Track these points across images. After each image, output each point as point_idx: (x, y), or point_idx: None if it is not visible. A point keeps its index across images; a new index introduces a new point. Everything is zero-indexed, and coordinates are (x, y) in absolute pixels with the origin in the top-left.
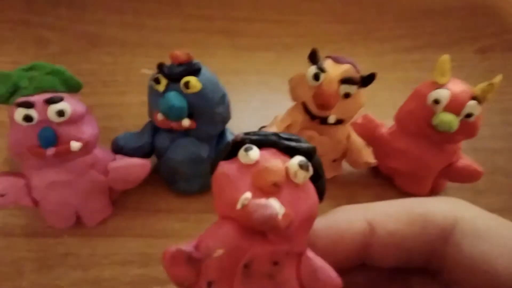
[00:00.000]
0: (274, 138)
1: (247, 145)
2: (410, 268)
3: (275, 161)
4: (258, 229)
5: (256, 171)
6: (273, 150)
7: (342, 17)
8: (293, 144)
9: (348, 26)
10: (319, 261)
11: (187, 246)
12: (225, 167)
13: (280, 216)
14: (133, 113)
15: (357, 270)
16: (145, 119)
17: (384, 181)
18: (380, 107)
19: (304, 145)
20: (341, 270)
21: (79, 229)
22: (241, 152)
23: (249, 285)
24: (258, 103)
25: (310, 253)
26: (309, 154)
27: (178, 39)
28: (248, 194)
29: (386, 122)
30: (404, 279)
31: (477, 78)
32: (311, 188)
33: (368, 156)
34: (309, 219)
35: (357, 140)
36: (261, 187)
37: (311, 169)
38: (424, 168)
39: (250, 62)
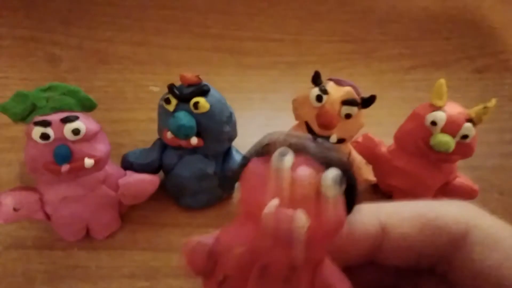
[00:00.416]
0: (311, 145)
1: (283, 149)
2: (418, 269)
3: (308, 172)
4: (280, 237)
5: (288, 179)
6: (308, 158)
7: (343, 37)
8: (330, 155)
9: (349, 45)
10: (335, 276)
11: (208, 239)
12: (257, 166)
13: (303, 230)
14: (142, 129)
15: (366, 267)
16: (153, 134)
17: (383, 198)
18: (380, 125)
19: (341, 157)
20: (350, 267)
21: (88, 242)
22: (276, 156)
23: (263, 286)
24: (262, 120)
25: (327, 264)
26: (345, 167)
27: (185, 57)
28: (275, 201)
29: (386, 140)
30: (412, 278)
31: (474, 97)
32: (340, 203)
33: (368, 173)
34: (333, 233)
35: (357, 158)
36: (290, 197)
37: (344, 185)
38: (422, 186)
39: (254, 80)
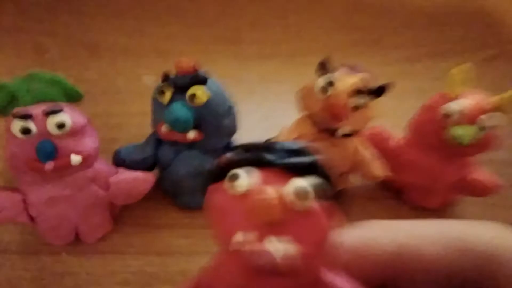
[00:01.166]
0: (268, 156)
1: (232, 172)
2: None
3: (267, 192)
4: (260, 271)
5: (247, 206)
6: (269, 171)
7: (348, 24)
8: (291, 161)
9: (354, 34)
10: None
11: (189, 285)
12: (214, 197)
13: (279, 259)
14: (135, 123)
15: None
16: (147, 129)
17: (394, 194)
18: (388, 117)
19: (305, 160)
20: None
21: (78, 246)
22: (226, 183)
23: None
24: (263, 113)
25: (327, 278)
26: (314, 168)
27: (180, 47)
28: (239, 237)
29: (394, 133)
30: None
31: (485, 87)
32: (317, 211)
33: (378, 169)
34: (320, 246)
35: (367, 153)
36: (256, 225)
37: (311, 194)
38: (435, 182)
39: (254, 70)
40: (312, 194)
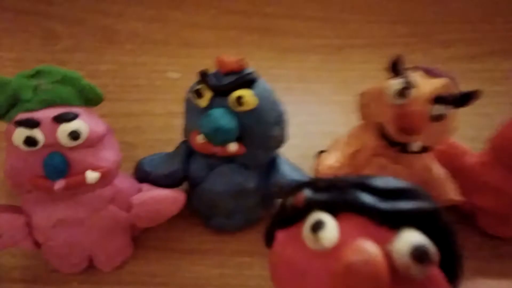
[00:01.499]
0: (364, 197)
1: (315, 219)
2: None
3: (369, 251)
4: None
5: (338, 272)
6: (360, 220)
7: (398, 16)
8: (398, 206)
9: (403, 27)
10: None
11: None
12: (288, 252)
13: None
14: (158, 126)
15: None
16: (173, 132)
17: (461, 218)
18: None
19: (419, 206)
20: None
21: (91, 275)
22: (307, 234)
23: None
24: (304, 117)
25: None
26: (429, 218)
27: (208, 37)
28: None
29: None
30: None
31: None
32: (439, 281)
33: (453, 191)
34: None
35: (441, 172)
36: None
37: (434, 255)
38: None
39: (293, 66)
40: (435, 256)
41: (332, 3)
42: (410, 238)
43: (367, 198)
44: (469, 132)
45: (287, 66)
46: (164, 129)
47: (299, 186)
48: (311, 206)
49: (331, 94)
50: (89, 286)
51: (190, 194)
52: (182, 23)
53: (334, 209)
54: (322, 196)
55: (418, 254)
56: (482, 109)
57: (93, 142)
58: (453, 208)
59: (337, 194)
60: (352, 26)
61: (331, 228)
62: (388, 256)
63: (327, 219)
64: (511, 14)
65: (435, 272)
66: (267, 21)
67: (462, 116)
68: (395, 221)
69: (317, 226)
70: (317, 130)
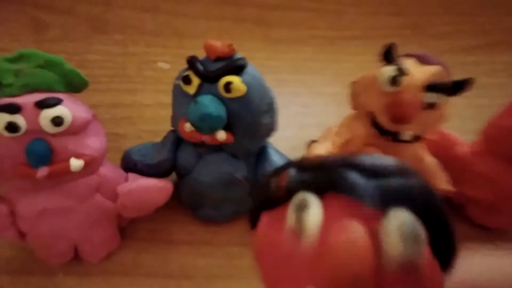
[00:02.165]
0: (350, 177)
1: (300, 200)
2: None
3: (352, 230)
4: None
5: (323, 256)
6: (347, 200)
7: (391, 7)
8: (385, 184)
9: (398, 19)
10: None
11: None
12: (272, 235)
13: None
14: (147, 116)
15: None
16: (162, 123)
17: (452, 209)
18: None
19: (408, 184)
20: None
21: (77, 266)
22: (291, 215)
23: None
24: (297, 108)
25: None
26: (419, 197)
27: (200, 28)
28: None
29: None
30: None
31: None
32: (431, 265)
33: (444, 182)
34: None
35: (432, 162)
36: (336, 284)
37: (423, 236)
38: (505, 199)
39: (286, 58)
40: (424, 235)
41: None
42: (398, 217)
43: (353, 177)
44: (463, 124)
45: (280, 57)
46: (154, 120)
47: (284, 166)
48: (295, 186)
49: (323, 86)
50: (75, 277)
51: (178, 185)
52: (174, 13)
53: (319, 189)
54: (307, 176)
55: (406, 233)
56: (477, 101)
57: (77, 129)
58: (445, 197)
59: (322, 173)
60: (346, 17)
61: (315, 209)
62: (375, 237)
63: (312, 199)
64: (507, 6)
65: (427, 256)
66: (260, 12)
67: (457, 108)
68: (383, 201)
69: (301, 207)
70: (309, 121)
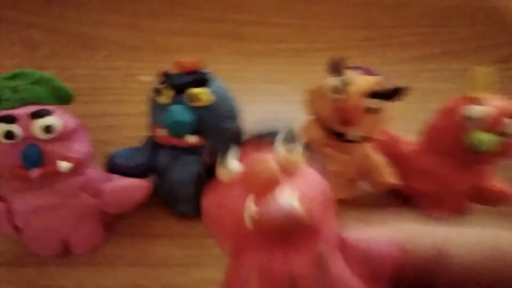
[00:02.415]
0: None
1: (222, 158)
2: None
3: (259, 158)
4: (282, 235)
5: (245, 179)
6: (251, 146)
7: (355, 22)
8: (267, 128)
9: (361, 31)
10: (362, 243)
11: None
12: (211, 198)
13: (299, 209)
14: (131, 125)
15: None
16: (143, 131)
17: (404, 202)
18: (397, 120)
19: (279, 125)
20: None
21: (66, 258)
22: (219, 170)
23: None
24: (267, 115)
25: (349, 240)
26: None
27: (179, 43)
28: (250, 203)
29: (403, 137)
30: None
31: (498, 90)
32: (310, 169)
33: (390, 176)
34: (326, 200)
35: (378, 159)
36: (259, 189)
37: (300, 148)
38: (449, 190)
39: (258, 69)
40: (300, 146)
41: (295, 11)
42: (280, 140)
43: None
44: (418, 126)
45: (253, 68)
46: (136, 127)
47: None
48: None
49: (292, 94)
50: (65, 267)
51: (157, 184)
52: (155, 30)
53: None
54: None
55: (290, 145)
56: (432, 105)
57: (65, 136)
58: (395, 192)
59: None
60: (313, 31)
61: (232, 161)
62: (274, 156)
63: (227, 157)
64: (460, 19)
65: (305, 162)
66: (233, 28)
67: (412, 112)
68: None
69: (222, 164)
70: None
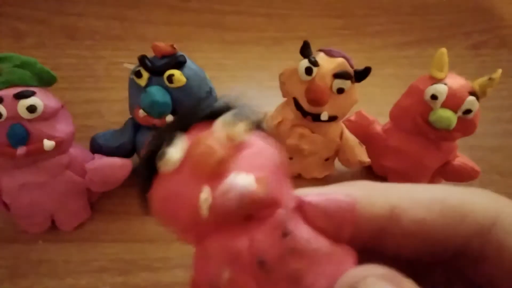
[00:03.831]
0: (187, 119)
1: (160, 151)
2: (429, 261)
3: (200, 139)
4: (242, 217)
5: (190, 165)
6: (193, 130)
7: (333, 11)
8: (207, 110)
9: (339, 20)
10: (319, 198)
11: None
12: (158, 191)
13: (253, 185)
14: (115, 110)
15: (367, 256)
16: (128, 116)
17: (378, 181)
18: (372, 103)
19: (219, 103)
20: None
21: (54, 234)
22: (159, 163)
23: (275, 275)
24: (245, 100)
25: (307, 199)
26: (231, 107)
27: (162, 32)
28: (205, 193)
29: (379, 120)
30: (419, 272)
31: (470, 75)
32: (257, 138)
33: (362, 154)
34: (278, 167)
35: (350, 138)
36: (208, 175)
37: (242, 119)
38: (419, 167)
39: (238, 57)
40: (245, 118)
41: (275, 1)
42: (223, 118)
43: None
44: (387, 108)
45: (233, 56)
46: (120, 113)
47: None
48: (155, 149)
49: (269, 80)
50: (52, 243)
51: (139, 164)
52: (139, 21)
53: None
54: (165, 134)
55: (229, 121)
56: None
57: (48, 116)
58: (368, 171)
59: (170, 128)
60: (291, 20)
61: (172, 150)
62: (214, 136)
63: (166, 147)
64: (432, 8)
65: (251, 133)
66: (217, 18)
67: (388, 96)
68: (214, 115)
69: (163, 154)
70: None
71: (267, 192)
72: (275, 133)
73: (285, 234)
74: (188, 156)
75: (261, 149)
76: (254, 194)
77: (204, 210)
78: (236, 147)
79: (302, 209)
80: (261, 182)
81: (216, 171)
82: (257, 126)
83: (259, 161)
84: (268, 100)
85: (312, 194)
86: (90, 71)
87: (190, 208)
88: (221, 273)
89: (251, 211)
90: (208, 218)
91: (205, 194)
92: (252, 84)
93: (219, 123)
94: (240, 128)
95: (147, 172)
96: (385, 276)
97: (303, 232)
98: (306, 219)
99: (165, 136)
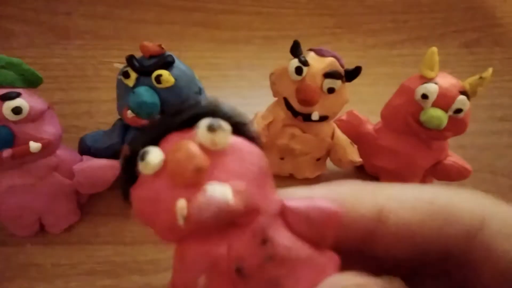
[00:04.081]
0: (163, 125)
1: (141, 152)
2: (418, 264)
3: (180, 145)
4: (218, 225)
5: (169, 171)
6: (174, 134)
7: (325, 10)
8: (190, 112)
9: (331, 19)
10: (301, 204)
11: None
12: (137, 194)
13: (231, 199)
14: (104, 111)
15: (354, 258)
16: (117, 116)
17: (370, 180)
18: (364, 103)
19: (203, 105)
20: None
21: (43, 237)
22: (140, 165)
23: (253, 282)
24: (238, 99)
25: (289, 205)
26: (214, 109)
27: (153, 32)
28: (181, 203)
29: (371, 119)
30: (410, 273)
31: (462, 73)
32: (239, 142)
33: (353, 154)
34: (261, 172)
35: (342, 138)
36: (187, 183)
37: (225, 124)
38: (411, 167)
39: (230, 56)
40: (225, 124)
41: (267, 0)
42: (204, 122)
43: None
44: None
45: (225, 56)
46: (110, 113)
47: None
48: (135, 148)
49: (262, 80)
50: (41, 246)
51: None
52: (129, 20)
53: (157, 139)
54: (142, 139)
55: (210, 126)
56: None
57: (35, 117)
58: (360, 171)
59: (149, 133)
60: (284, 19)
61: (153, 152)
62: (197, 141)
63: (150, 149)
64: (426, 6)
65: (233, 138)
66: (208, 17)
67: (380, 95)
68: (194, 120)
69: (144, 155)
70: (247, 110)
71: (245, 204)
72: (265, 134)
73: (264, 241)
74: (167, 161)
75: (243, 155)
76: (231, 207)
77: (180, 220)
78: (217, 153)
79: (283, 213)
80: (238, 194)
81: (194, 179)
82: (242, 128)
83: (239, 168)
84: (260, 100)
85: (295, 199)
86: (79, 71)
87: (167, 214)
88: (197, 280)
89: (229, 221)
90: (185, 227)
91: (181, 204)
92: (244, 83)
93: (201, 127)
94: (222, 133)
95: (126, 175)
96: (363, 286)
97: (284, 239)
98: (288, 225)
99: (146, 139)
